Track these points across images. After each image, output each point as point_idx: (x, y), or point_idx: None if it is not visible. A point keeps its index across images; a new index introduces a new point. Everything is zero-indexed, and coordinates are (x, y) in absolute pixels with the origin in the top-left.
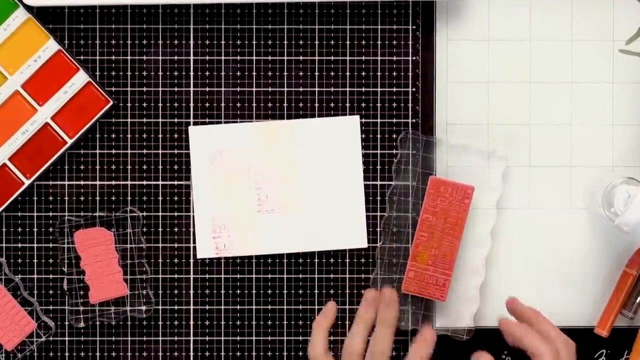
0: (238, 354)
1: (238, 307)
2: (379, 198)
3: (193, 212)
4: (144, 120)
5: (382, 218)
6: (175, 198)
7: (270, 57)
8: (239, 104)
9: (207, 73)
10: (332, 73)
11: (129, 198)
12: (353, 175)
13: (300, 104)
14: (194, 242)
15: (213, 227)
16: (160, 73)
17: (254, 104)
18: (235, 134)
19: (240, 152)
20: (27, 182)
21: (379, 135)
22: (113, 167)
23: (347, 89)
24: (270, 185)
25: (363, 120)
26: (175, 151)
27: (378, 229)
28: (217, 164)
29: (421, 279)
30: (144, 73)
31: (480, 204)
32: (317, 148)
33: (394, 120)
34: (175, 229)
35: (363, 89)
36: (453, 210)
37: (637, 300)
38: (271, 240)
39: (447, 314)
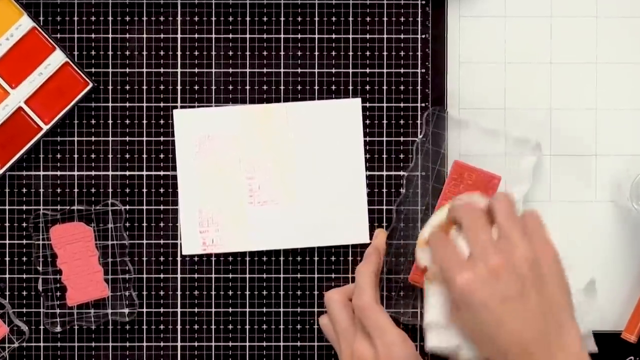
0: None
1: (230, 309)
2: (384, 190)
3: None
4: (127, 104)
5: (395, 202)
6: (161, 190)
7: (265, 35)
8: (230, 87)
9: (196, 53)
10: (334, 52)
11: (110, 190)
12: (354, 164)
13: (299, 87)
14: (182, 238)
15: (200, 221)
16: (144, 53)
17: (248, 87)
18: (225, 118)
19: (230, 138)
20: None
21: (384, 121)
22: (93, 156)
23: (350, 70)
24: (263, 174)
25: (367, 104)
26: (162, 138)
27: (384, 224)
28: (205, 151)
29: None
30: (127, 53)
31: None
32: (314, 134)
33: (401, 105)
34: (161, 224)
35: (367, 70)
36: None
37: None
38: (263, 235)
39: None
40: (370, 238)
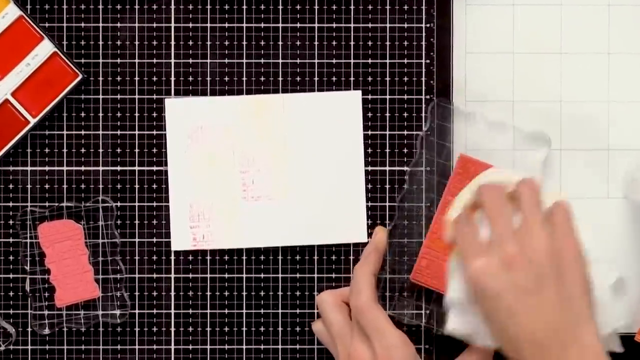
0: None
1: (226, 310)
2: (387, 186)
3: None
4: (118, 96)
5: (398, 198)
6: (154, 186)
7: (262, 24)
8: (226, 78)
9: (191, 42)
10: (334, 42)
11: (100, 186)
12: (352, 159)
13: (298, 78)
14: (172, 233)
15: (190, 216)
16: (136, 42)
17: (244, 78)
18: (219, 108)
19: (224, 129)
20: None
21: (387, 114)
22: (82, 150)
23: (351, 61)
24: (257, 168)
25: (370, 96)
26: (154, 132)
27: (386, 221)
28: (197, 142)
29: (435, 270)
30: (118, 42)
31: None
32: (312, 127)
33: (405, 97)
34: (154, 222)
35: (369, 61)
36: None
37: None
38: (256, 231)
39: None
40: (369, 236)
